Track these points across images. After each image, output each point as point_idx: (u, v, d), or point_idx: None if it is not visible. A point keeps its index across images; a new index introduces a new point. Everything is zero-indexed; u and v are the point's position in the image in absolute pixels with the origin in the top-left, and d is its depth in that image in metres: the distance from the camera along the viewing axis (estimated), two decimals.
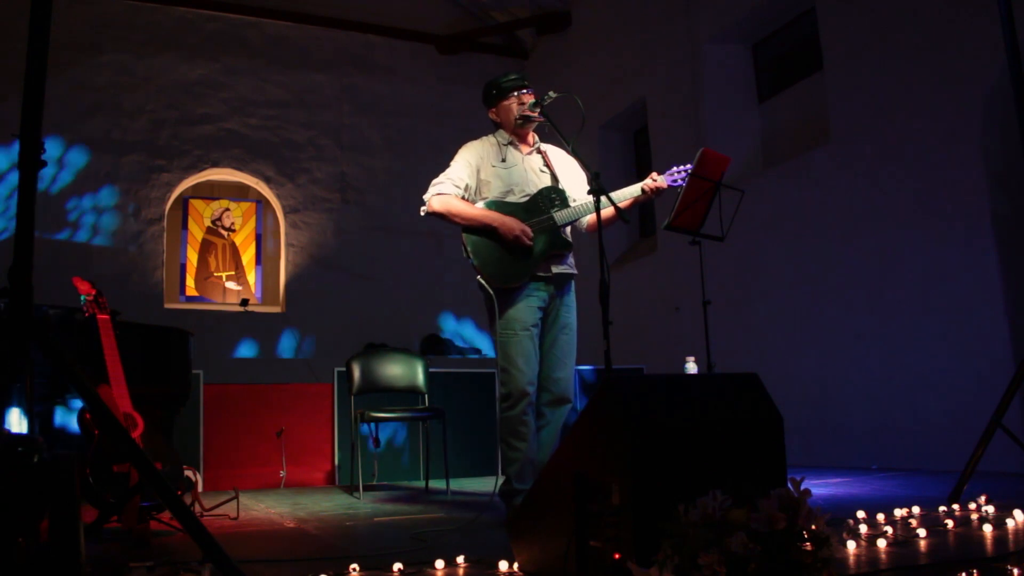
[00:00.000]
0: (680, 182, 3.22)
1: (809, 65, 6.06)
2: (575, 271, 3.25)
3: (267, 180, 8.34)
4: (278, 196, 8.39)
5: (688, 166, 3.24)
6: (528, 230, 3.08)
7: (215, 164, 8.15)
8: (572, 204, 3.19)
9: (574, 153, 3.02)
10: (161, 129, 7.94)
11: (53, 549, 1.43)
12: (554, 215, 3.13)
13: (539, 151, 3.33)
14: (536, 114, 3.17)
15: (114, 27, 7.87)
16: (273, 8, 8.44)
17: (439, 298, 8.53)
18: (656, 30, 7.25)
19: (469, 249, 3.09)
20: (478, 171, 3.21)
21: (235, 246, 8.53)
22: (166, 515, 2.70)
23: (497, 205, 3.13)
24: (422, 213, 3.23)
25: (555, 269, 3.15)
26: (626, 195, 3.16)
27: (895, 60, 4.99)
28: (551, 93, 3.09)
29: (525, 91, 3.25)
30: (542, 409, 3.15)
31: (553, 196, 3.18)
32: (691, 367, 3.84)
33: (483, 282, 3.09)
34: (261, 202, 8.62)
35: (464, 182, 3.18)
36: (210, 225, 8.47)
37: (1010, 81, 2.90)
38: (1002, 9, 2.92)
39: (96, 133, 7.66)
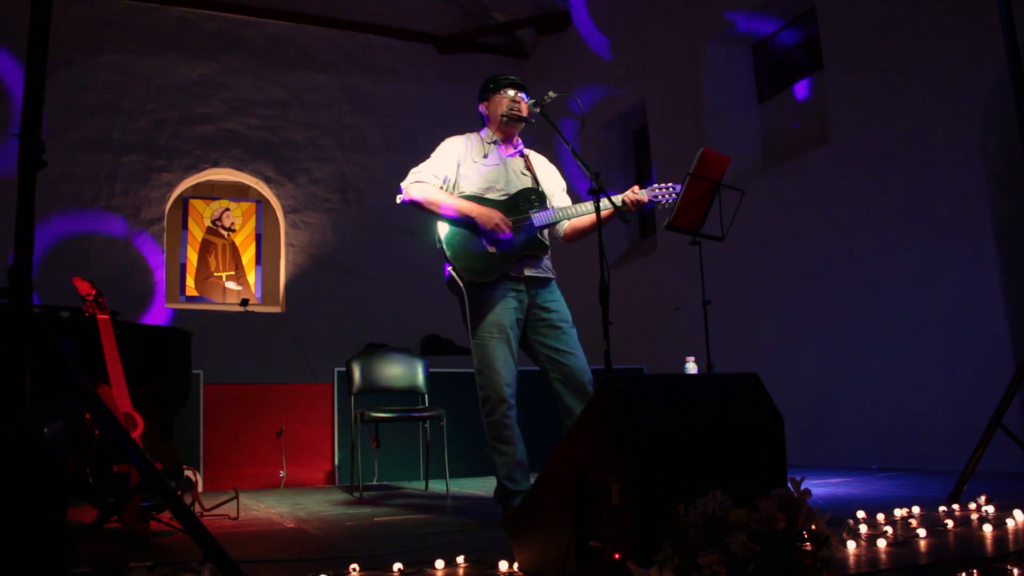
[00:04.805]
0: (661, 199, 3.12)
1: (809, 65, 6.06)
2: (550, 275, 3.19)
3: (267, 180, 8.34)
4: (278, 196, 8.39)
5: (672, 185, 3.16)
6: (507, 220, 3.04)
7: (215, 164, 8.16)
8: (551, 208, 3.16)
9: (573, 154, 3.02)
10: (161, 129, 7.94)
11: (35, 547, 1.40)
12: (532, 215, 3.10)
13: (522, 155, 3.31)
14: (525, 115, 3.16)
15: (114, 27, 7.87)
16: (273, 8, 8.44)
17: (439, 298, 8.52)
18: (656, 30, 7.25)
19: (442, 239, 3.05)
20: (458, 165, 3.18)
21: (235, 246, 8.53)
22: (166, 515, 2.70)
23: (475, 200, 3.10)
24: (398, 200, 3.18)
25: (528, 272, 3.09)
26: (604, 205, 3.12)
27: (895, 60, 4.99)
28: (551, 93, 3.07)
29: (520, 93, 3.24)
30: (570, 407, 3.04)
31: (533, 197, 3.15)
32: (691, 367, 3.84)
33: (454, 274, 3.04)
34: (261, 202, 8.62)
35: (444, 174, 3.16)
36: (210, 225, 8.47)
37: (1010, 81, 2.90)
38: (1002, 9, 2.92)
39: (96, 133, 7.66)
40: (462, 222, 3.06)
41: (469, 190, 3.14)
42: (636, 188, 3.12)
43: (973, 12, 4.46)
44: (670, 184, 3.16)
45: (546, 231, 3.19)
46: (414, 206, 3.15)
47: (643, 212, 7.75)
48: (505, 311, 3.04)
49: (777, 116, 6.48)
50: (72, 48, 7.54)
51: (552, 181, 3.32)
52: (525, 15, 8.99)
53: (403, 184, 3.17)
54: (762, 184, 5.95)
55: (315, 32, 8.64)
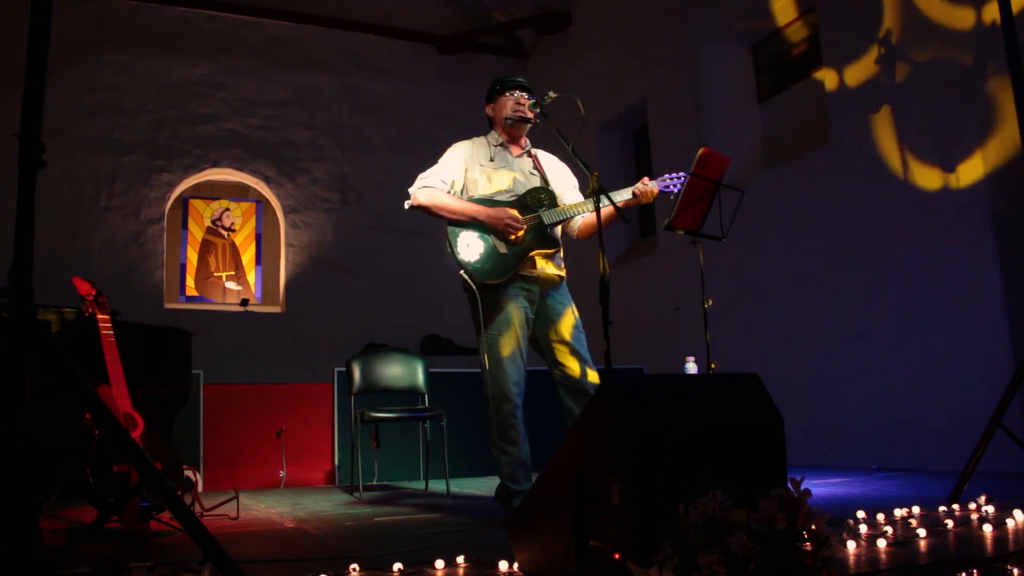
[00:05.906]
0: (672, 188, 3.19)
1: (809, 65, 6.06)
2: (562, 274, 3.20)
3: (267, 180, 8.34)
4: (278, 196, 8.39)
5: (680, 174, 3.21)
6: (518, 217, 3.04)
7: (215, 164, 8.16)
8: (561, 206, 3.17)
9: (573, 154, 3.02)
10: (161, 129, 7.94)
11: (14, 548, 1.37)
12: (542, 214, 3.11)
13: (529, 154, 3.32)
14: (530, 116, 3.16)
15: (114, 27, 7.88)
16: (273, 8, 8.44)
17: (439, 298, 8.52)
18: (656, 30, 7.25)
19: (454, 243, 3.06)
20: (466, 170, 3.19)
21: (235, 246, 8.53)
22: (166, 515, 2.70)
23: (484, 202, 3.11)
24: (406, 206, 3.20)
25: (539, 271, 3.11)
26: (617, 199, 3.14)
27: (894, 60, 4.99)
28: (551, 93, 3.07)
29: (525, 95, 3.25)
30: (571, 409, 3.06)
31: (542, 196, 3.16)
32: (691, 367, 3.84)
33: (466, 278, 3.05)
34: (261, 202, 8.62)
35: (451, 179, 3.16)
36: (210, 225, 8.47)
37: (1010, 81, 2.90)
38: (1002, 9, 2.92)
39: (96, 133, 7.66)
40: (472, 225, 3.06)
41: (478, 193, 3.15)
42: (646, 179, 3.15)
43: (972, 12, 4.46)
44: (680, 173, 3.18)
45: (558, 229, 3.19)
46: (422, 211, 3.16)
47: (644, 211, 7.76)
48: (516, 310, 3.05)
49: (777, 116, 6.47)
50: (72, 48, 7.54)
51: (562, 179, 3.32)
52: (525, 15, 8.99)
53: (411, 190, 3.18)
54: (762, 184, 5.95)
55: (315, 32, 8.64)
